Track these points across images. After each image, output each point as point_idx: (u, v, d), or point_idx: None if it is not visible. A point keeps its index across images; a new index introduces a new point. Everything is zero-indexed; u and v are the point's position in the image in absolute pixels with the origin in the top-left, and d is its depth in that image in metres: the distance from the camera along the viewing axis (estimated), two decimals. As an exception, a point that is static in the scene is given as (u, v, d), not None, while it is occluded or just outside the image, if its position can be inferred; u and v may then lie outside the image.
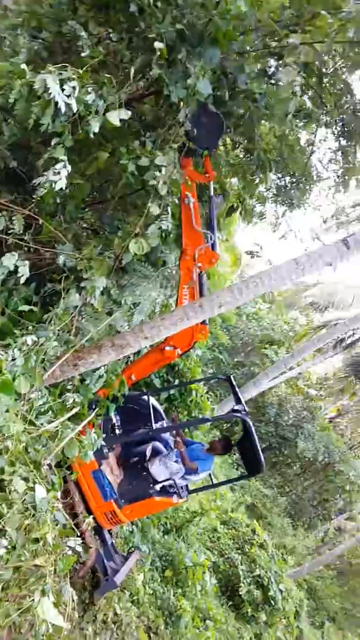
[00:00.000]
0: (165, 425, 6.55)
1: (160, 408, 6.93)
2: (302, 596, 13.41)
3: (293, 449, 18.57)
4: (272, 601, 10.34)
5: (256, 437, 5.83)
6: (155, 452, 6.02)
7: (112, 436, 5.67)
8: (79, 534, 4.65)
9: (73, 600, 3.68)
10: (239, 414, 5.87)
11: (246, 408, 6.15)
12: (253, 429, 5.81)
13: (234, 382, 6.63)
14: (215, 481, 7.64)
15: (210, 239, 5.20)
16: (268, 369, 14.68)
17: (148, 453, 5.98)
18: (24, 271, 3.88)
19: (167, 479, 5.75)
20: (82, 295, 4.33)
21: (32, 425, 3.65)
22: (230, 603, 10.12)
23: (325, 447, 17.80)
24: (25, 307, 4.10)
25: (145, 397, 6.34)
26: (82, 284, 4.28)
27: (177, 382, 8.25)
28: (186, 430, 8.21)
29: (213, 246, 5.24)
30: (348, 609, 19.93)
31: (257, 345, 20.54)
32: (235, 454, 16.66)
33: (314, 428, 18.53)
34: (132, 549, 6.97)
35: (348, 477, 17.58)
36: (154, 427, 5.74)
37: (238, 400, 6.24)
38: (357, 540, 19.56)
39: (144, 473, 5.83)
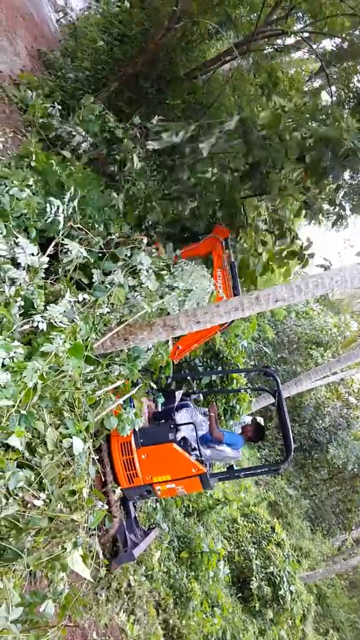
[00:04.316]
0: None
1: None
2: (311, 600, 13.31)
3: (323, 454, 18.30)
4: (281, 600, 10.34)
5: (285, 404, 5.92)
6: (183, 405, 6.30)
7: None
8: (105, 503, 4.78)
9: (98, 558, 3.79)
10: (269, 369, 6.38)
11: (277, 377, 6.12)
12: (282, 390, 6.00)
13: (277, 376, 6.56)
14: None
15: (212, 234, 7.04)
16: (311, 370, 14.42)
17: (177, 396, 6.30)
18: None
19: (189, 423, 5.85)
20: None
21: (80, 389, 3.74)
22: (240, 595, 10.17)
23: (356, 457, 17.44)
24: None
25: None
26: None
27: (219, 369, 8.24)
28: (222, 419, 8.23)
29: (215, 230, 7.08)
30: (355, 621, 19.64)
31: (303, 344, 20.21)
32: (264, 449, 16.57)
33: (348, 436, 18.18)
34: (153, 525, 7.08)
35: (375, 491, 17.21)
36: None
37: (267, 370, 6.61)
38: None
39: (169, 421, 5.93)
